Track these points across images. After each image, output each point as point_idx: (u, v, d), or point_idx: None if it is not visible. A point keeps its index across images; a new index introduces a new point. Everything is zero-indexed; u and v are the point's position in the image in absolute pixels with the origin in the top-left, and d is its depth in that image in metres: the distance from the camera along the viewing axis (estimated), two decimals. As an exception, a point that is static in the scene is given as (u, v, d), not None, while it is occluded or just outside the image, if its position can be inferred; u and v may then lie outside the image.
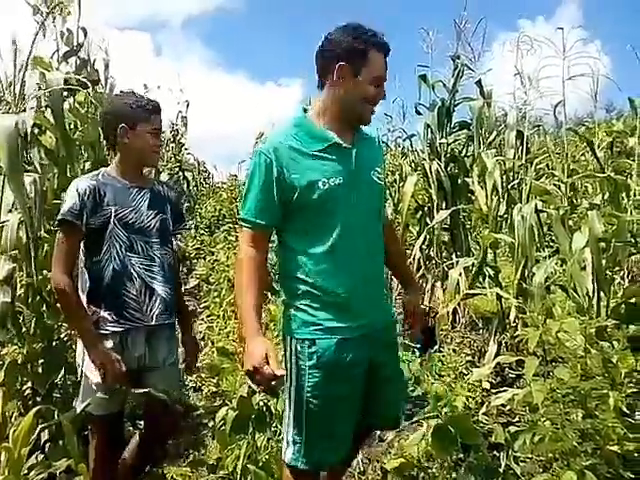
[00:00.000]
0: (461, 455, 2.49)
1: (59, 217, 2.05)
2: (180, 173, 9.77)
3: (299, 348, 1.82)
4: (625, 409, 2.40)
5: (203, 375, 3.79)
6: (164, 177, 9.48)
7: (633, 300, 3.17)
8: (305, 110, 1.90)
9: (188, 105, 10.62)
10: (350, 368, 1.82)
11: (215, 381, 3.62)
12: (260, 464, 2.25)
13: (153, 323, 2.18)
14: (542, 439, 2.34)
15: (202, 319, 4.96)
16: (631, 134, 5.89)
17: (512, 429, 2.61)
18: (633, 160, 4.06)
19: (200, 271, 5.67)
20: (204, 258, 6.83)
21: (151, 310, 2.17)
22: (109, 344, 2.09)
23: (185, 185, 10.10)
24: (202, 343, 4.49)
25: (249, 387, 3.03)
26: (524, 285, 3.23)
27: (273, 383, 1.68)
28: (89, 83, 2.63)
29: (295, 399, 1.83)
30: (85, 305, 2.12)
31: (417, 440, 2.41)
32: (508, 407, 3.45)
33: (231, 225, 7.93)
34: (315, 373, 1.79)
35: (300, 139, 1.80)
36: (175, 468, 2.76)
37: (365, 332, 1.84)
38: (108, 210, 2.11)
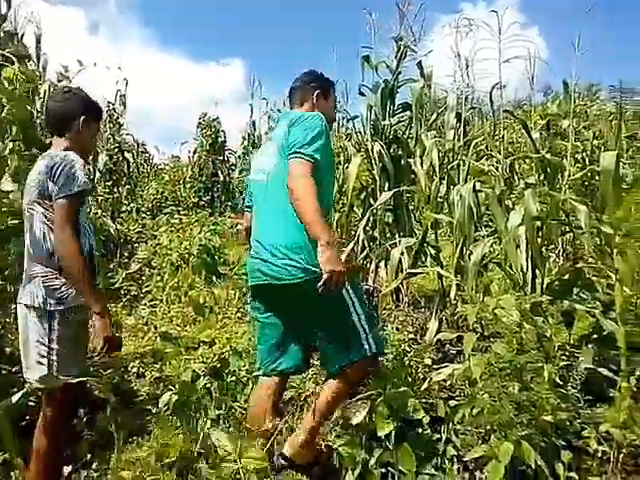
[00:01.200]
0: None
1: (78, 188, 2.21)
2: (119, 154, 9.44)
3: None
4: (558, 380, 2.53)
5: (145, 361, 3.72)
6: (103, 158, 9.17)
7: (566, 277, 3.32)
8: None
9: (127, 83, 10.27)
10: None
11: (158, 366, 3.56)
12: (203, 450, 2.23)
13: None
14: (480, 412, 2.43)
15: (145, 304, 4.86)
16: (565, 117, 6.12)
17: (452, 403, 2.70)
18: (567, 141, 4.22)
19: (142, 255, 5.55)
20: (146, 242, 6.68)
21: (97, 272, 2.49)
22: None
23: (125, 167, 9.78)
24: (145, 328, 4.41)
25: (193, 372, 3.03)
26: (462, 263, 3.32)
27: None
28: (15, 58, 2.49)
29: None
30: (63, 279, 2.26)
31: (361, 418, 2.45)
32: (449, 382, 3.57)
33: (173, 208, 7.77)
34: None
35: None
36: (121, 455, 2.71)
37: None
38: (89, 188, 2.36)
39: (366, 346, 2.40)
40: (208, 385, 2.96)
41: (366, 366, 2.47)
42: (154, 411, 3.06)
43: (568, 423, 2.49)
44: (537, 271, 3.04)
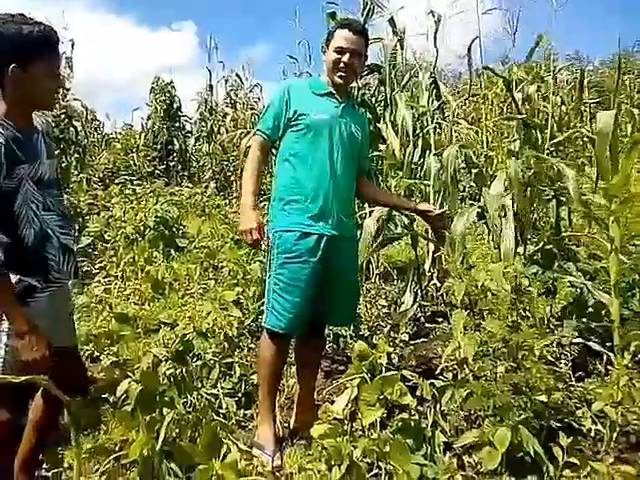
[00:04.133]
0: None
1: None
2: (66, 121, 8.85)
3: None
4: (550, 358, 2.38)
5: (100, 344, 3.41)
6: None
7: (549, 247, 3.17)
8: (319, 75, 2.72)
9: (73, 45, 9.60)
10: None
11: (115, 349, 3.26)
12: (167, 448, 1.98)
13: (69, 282, 2.03)
14: (470, 394, 2.26)
15: (98, 281, 4.50)
16: (532, 82, 5.98)
17: (438, 383, 2.51)
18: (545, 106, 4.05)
19: (93, 228, 5.16)
20: (98, 214, 6.26)
21: (68, 267, 1.98)
22: (38, 313, 1.85)
23: (73, 135, 9.20)
24: (99, 307, 4.08)
25: (153, 356, 2.76)
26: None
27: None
28: None
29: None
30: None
31: (343, 404, 2.24)
32: (428, 357, 3.41)
33: (127, 178, 7.34)
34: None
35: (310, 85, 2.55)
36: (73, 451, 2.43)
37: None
38: (21, 170, 1.81)
39: (265, 317, 2.45)
40: (171, 371, 2.70)
41: (264, 338, 2.49)
42: (111, 400, 2.78)
43: (561, 403, 2.34)
44: (521, 241, 2.86)
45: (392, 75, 4.33)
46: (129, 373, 2.82)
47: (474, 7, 3.28)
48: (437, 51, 3.91)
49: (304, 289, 2.36)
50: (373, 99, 4.85)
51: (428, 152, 3.79)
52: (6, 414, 1.90)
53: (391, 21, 4.21)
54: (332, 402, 2.45)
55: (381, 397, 2.11)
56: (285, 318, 2.37)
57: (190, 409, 2.59)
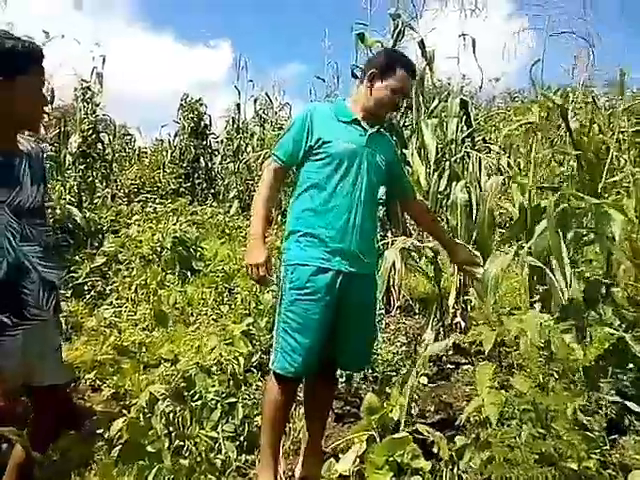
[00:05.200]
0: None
1: None
2: (94, 136, 8.87)
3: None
4: (583, 418, 2.13)
5: (104, 372, 3.24)
6: (76, 140, 8.60)
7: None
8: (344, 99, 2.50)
9: (104, 61, 9.65)
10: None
11: (116, 380, 3.09)
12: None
13: (48, 318, 1.83)
14: (492, 458, 2.02)
15: (110, 303, 4.37)
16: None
17: (458, 441, 2.27)
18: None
19: (108, 248, 5.04)
20: (117, 232, 6.17)
21: (48, 303, 1.81)
22: (8, 352, 1.69)
23: (101, 150, 9.23)
24: (107, 332, 3.94)
25: (150, 394, 2.58)
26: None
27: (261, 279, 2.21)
28: None
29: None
30: None
31: (349, 463, 2.02)
32: (447, 400, 3.17)
33: (148, 195, 7.26)
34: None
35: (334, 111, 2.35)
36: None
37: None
38: None
39: (273, 358, 2.26)
40: (169, 410, 2.51)
41: (271, 380, 2.28)
42: (106, 436, 2.60)
43: (595, 472, 2.08)
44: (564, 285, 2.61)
45: (420, 99, 4.15)
46: (126, 410, 2.68)
47: (506, 30, 3.05)
48: (463, 76, 3.71)
49: (317, 330, 2.16)
50: (401, 122, 4.68)
51: (455, 182, 3.57)
52: None
53: (421, 43, 4.04)
54: (338, 458, 2.22)
55: (390, 460, 1.88)
56: (295, 361, 2.16)
57: (187, 454, 2.41)
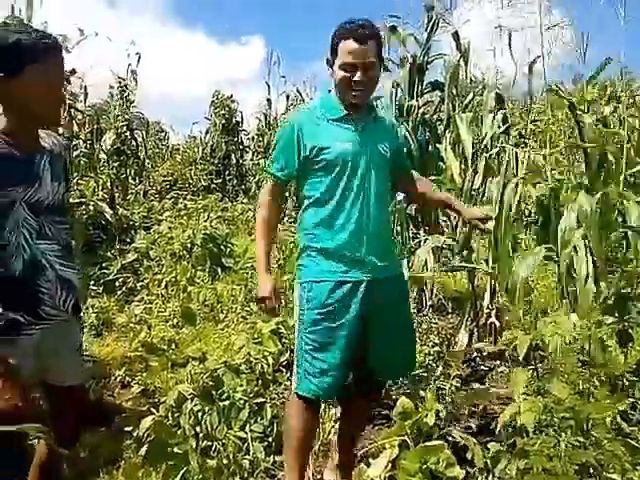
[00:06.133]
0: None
1: None
2: (128, 133, 8.98)
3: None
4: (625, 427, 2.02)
5: (133, 369, 3.26)
6: (110, 137, 8.71)
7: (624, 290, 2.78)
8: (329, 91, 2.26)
9: (139, 58, 9.73)
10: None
11: (145, 376, 3.09)
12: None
13: (67, 318, 1.78)
14: (529, 467, 1.94)
15: (140, 299, 4.40)
16: (607, 102, 5.50)
17: (492, 447, 2.19)
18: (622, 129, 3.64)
19: (139, 244, 5.08)
20: (149, 228, 6.22)
21: (65, 304, 1.76)
22: (20, 352, 1.64)
23: (134, 147, 9.33)
24: (137, 328, 3.95)
25: (179, 393, 2.56)
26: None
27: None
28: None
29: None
30: None
31: (381, 468, 1.96)
32: (485, 407, 3.07)
33: (179, 192, 7.31)
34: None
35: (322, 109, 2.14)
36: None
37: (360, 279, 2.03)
38: (13, 192, 1.61)
39: (295, 380, 2.10)
40: (197, 409, 2.49)
41: (293, 405, 2.12)
42: (134, 434, 2.60)
43: (640, 483, 1.98)
44: (599, 285, 2.50)
45: (454, 93, 4.05)
46: (154, 408, 2.67)
47: (543, 22, 2.94)
48: (497, 68, 3.60)
49: (344, 347, 2.00)
50: (434, 117, 4.58)
51: (490, 178, 3.46)
52: None
53: (455, 35, 3.93)
54: (369, 463, 2.16)
55: (424, 467, 1.81)
56: (323, 382, 2.01)
57: (214, 454, 2.39)
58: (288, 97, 13.01)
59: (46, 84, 1.62)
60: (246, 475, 2.40)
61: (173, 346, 3.27)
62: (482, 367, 3.53)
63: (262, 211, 2.16)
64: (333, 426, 2.65)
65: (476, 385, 3.28)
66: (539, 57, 3.51)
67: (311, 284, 2.05)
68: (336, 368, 2.00)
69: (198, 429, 2.48)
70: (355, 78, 1.99)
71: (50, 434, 1.62)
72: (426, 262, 3.61)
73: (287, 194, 6.86)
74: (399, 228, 4.36)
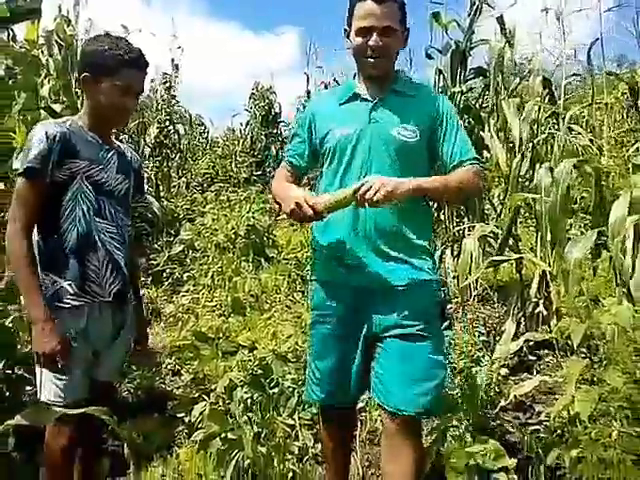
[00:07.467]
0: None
1: (23, 165, 1.68)
2: (170, 126, 9.12)
3: None
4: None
5: (182, 357, 3.33)
6: (153, 130, 8.86)
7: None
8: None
9: (182, 52, 9.84)
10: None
11: (196, 364, 3.17)
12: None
13: (110, 299, 1.84)
14: (583, 457, 1.91)
15: (187, 290, 4.49)
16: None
17: (543, 438, 2.17)
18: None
19: (185, 236, 5.18)
20: (193, 220, 6.33)
21: (110, 285, 1.83)
22: (67, 321, 1.74)
23: (177, 140, 9.48)
24: (185, 317, 4.05)
25: (230, 380, 2.62)
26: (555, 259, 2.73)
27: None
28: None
29: None
30: (41, 273, 1.75)
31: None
32: (528, 401, 3.03)
33: (221, 185, 7.40)
34: None
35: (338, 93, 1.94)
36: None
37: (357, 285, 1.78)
38: (77, 164, 1.75)
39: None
40: (247, 396, 2.54)
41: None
42: (186, 420, 2.67)
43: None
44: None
45: (499, 79, 3.97)
46: (205, 395, 2.73)
47: (592, 4, 2.86)
48: (544, 52, 3.51)
49: (334, 356, 1.83)
50: (477, 104, 4.50)
51: (539, 164, 3.39)
52: (64, 440, 1.78)
53: (500, 19, 3.85)
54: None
55: (471, 463, 1.80)
56: (320, 387, 1.88)
57: (264, 440, 2.43)
58: (326, 87, 12.95)
59: (121, 91, 1.78)
60: (295, 461, 2.45)
61: (221, 335, 3.33)
62: (529, 357, 3.49)
63: (277, 185, 1.96)
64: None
65: (524, 375, 3.24)
66: (597, 40, 3.40)
67: (315, 284, 1.93)
68: (333, 375, 1.84)
69: (249, 415, 2.55)
70: (370, 42, 1.74)
71: (113, 417, 1.68)
72: (475, 253, 3.57)
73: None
74: (442, 216, 4.33)
